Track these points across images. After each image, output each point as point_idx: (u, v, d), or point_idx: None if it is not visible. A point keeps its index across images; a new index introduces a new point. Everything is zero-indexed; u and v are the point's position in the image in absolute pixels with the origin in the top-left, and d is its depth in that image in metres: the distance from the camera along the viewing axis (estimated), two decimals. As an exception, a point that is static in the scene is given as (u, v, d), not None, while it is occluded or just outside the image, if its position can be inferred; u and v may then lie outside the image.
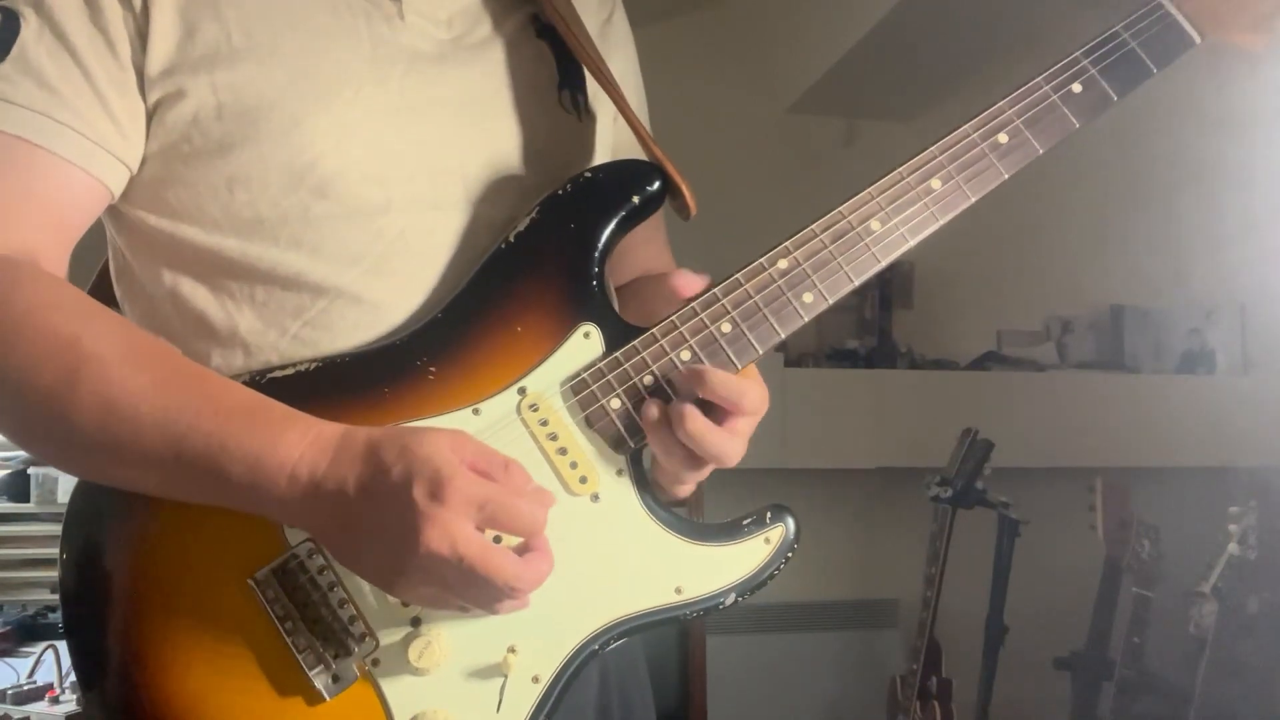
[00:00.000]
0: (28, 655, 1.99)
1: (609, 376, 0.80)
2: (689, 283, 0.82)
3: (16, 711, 1.77)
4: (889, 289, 3.46)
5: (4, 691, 1.80)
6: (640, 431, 0.80)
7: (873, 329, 3.42)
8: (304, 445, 0.71)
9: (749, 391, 0.79)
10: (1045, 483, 2.81)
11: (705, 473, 0.83)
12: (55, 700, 1.80)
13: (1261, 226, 2.68)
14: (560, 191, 0.84)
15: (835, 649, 3.29)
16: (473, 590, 0.70)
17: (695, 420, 0.77)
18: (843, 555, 3.23)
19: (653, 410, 0.79)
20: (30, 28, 0.77)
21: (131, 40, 0.79)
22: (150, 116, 0.80)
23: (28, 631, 2.11)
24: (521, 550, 0.72)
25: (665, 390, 0.80)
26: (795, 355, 3.28)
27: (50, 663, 1.88)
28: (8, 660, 1.99)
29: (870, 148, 3.56)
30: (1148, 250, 3.13)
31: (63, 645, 1.91)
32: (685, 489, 0.86)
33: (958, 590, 2.49)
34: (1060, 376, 3.34)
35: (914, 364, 3.38)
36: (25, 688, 1.82)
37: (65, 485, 2.27)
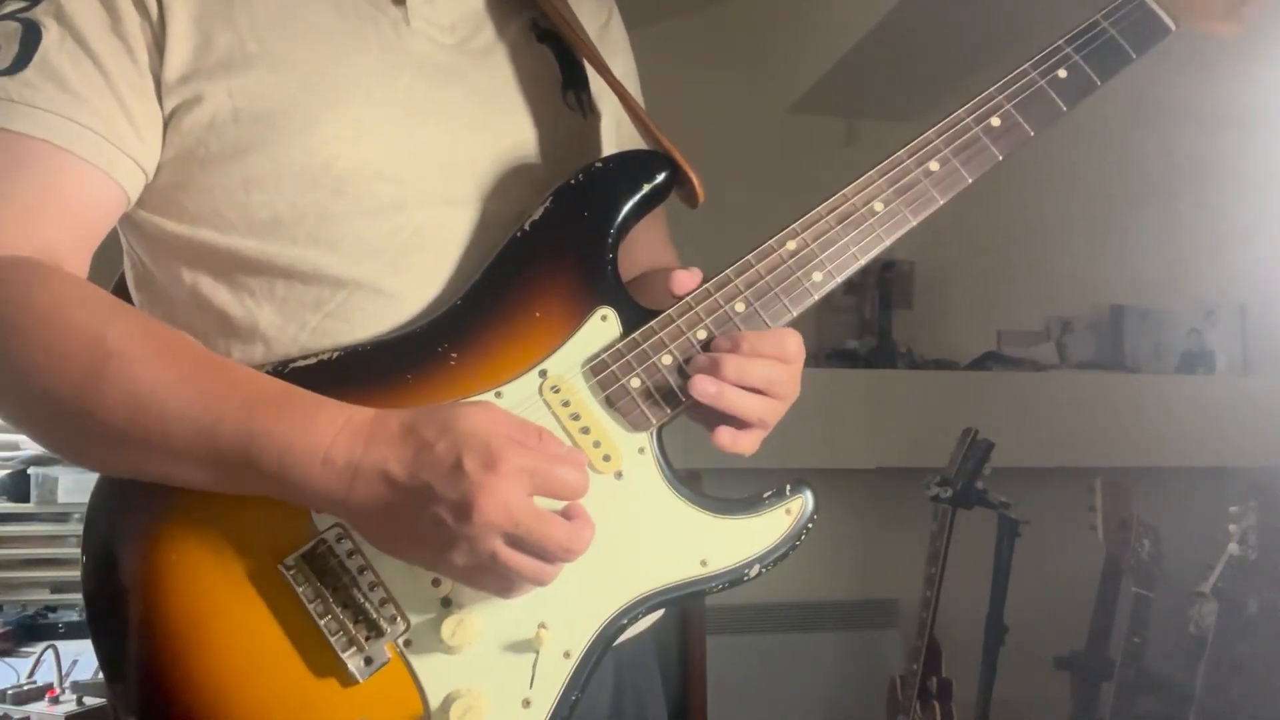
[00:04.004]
0: (28, 655, 1.98)
1: (628, 357, 0.82)
2: (681, 281, 0.84)
3: (16, 711, 1.77)
4: (889, 289, 3.46)
5: (4, 691, 1.79)
6: (661, 408, 0.82)
7: (873, 329, 3.42)
8: (335, 429, 0.71)
9: (788, 339, 0.82)
10: (1045, 483, 2.81)
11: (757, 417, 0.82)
12: (55, 700, 1.80)
13: (1261, 226, 2.68)
14: (573, 181, 0.86)
15: (835, 649, 3.28)
16: (521, 559, 0.71)
17: (731, 362, 0.80)
18: (843, 555, 3.22)
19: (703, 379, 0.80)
20: (51, 35, 0.78)
21: (149, 49, 0.80)
22: (166, 123, 0.82)
23: (28, 631, 2.11)
24: (564, 516, 0.73)
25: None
26: (795, 355, 3.27)
27: (50, 663, 1.87)
28: (8, 660, 1.99)
29: (870, 148, 3.52)
30: (1148, 250, 3.14)
31: (63, 645, 1.91)
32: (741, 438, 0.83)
33: (958, 590, 2.49)
34: (1060, 376, 3.34)
35: (914, 364, 3.38)
36: (25, 688, 1.82)
37: (65, 485, 2.27)
